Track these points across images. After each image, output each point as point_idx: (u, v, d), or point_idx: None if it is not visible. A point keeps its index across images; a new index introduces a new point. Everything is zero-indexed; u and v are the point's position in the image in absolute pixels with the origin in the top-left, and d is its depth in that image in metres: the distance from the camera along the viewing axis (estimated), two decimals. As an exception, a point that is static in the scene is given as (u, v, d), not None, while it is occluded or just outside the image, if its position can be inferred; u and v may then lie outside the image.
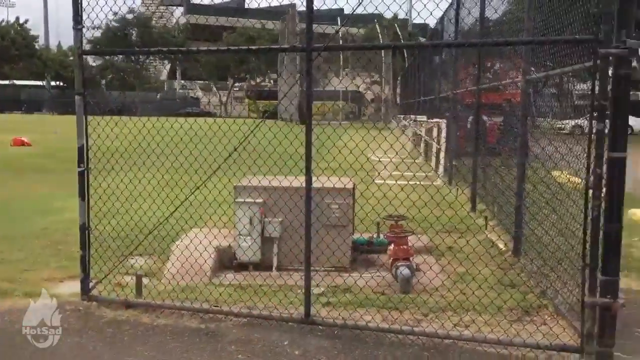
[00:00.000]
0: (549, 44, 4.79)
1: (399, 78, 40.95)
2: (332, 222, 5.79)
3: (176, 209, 5.07)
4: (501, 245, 6.66)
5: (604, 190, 3.83)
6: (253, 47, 4.33)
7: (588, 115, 3.97)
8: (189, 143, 5.31)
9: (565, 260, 4.50)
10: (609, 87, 3.75)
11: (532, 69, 6.01)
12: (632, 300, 5.13)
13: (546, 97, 6.23)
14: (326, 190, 5.62)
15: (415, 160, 14.59)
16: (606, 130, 3.78)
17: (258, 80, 60.05)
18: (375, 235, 6.45)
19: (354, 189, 6.17)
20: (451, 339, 4.23)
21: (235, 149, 4.73)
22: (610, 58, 3.65)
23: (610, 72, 3.74)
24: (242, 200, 5.84)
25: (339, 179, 5.81)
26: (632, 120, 35.66)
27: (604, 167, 3.80)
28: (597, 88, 3.78)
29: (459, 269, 5.41)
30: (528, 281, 5.37)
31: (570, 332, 4.16)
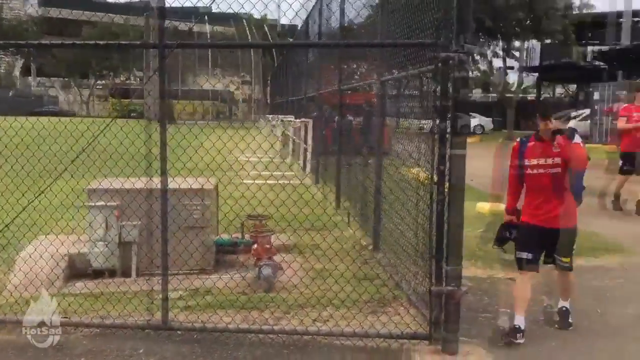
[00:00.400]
0: (397, 46, 5.02)
1: (269, 78, 41.12)
2: (191, 224, 5.65)
3: (17, 215, 4.69)
4: (362, 241, 6.89)
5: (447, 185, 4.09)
6: (101, 43, 4.09)
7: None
8: (31, 144, 4.92)
9: (415, 252, 4.73)
10: (450, 89, 4.00)
11: (386, 72, 6.26)
12: (478, 288, 5.52)
13: (402, 97, 6.53)
14: (183, 191, 5.48)
15: (284, 160, 14.74)
16: (448, 129, 4.04)
17: (122, 78, 57.45)
18: (239, 236, 6.40)
19: (215, 189, 6.07)
20: (310, 334, 4.30)
21: (84, 150, 4.46)
22: (451, 61, 3.89)
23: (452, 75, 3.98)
24: (95, 203, 5.53)
25: (196, 179, 5.68)
26: (483, 121, 38.58)
27: (447, 164, 4.05)
28: (439, 90, 4.02)
29: (318, 265, 5.52)
30: (383, 274, 5.59)
31: (420, 321, 4.38)
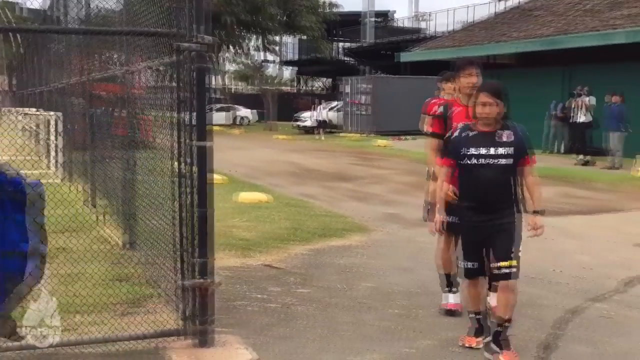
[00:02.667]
0: (134, 34, 4.83)
1: (14, 67, 36.90)
2: None
3: None
4: (117, 239, 6.55)
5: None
6: None
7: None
8: None
9: (168, 246, 4.63)
10: (193, 80, 3.96)
11: (135, 61, 6.00)
12: (233, 276, 5.62)
13: (151, 88, 6.32)
14: None
15: (27, 157, 13.36)
16: (193, 121, 4.00)
17: None
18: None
19: None
20: (54, 347, 3.94)
21: None
22: (188, 52, 3.84)
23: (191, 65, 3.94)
24: None
25: None
26: (247, 112, 39.65)
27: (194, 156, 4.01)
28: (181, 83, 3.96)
29: (64, 270, 5.09)
30: (137, 273, 5.38)
31: (174, 317, 4.30)
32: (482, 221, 3.94)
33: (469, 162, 3.92)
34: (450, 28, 37.51)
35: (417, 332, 4.47)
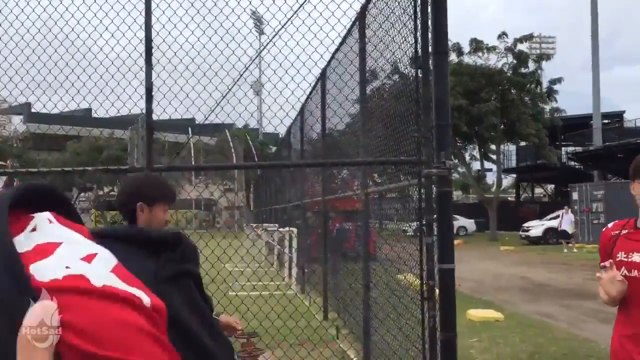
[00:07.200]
0: (378, 164, 5.15)
1: (252, 186, 41.54)
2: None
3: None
4: (352, 355, 6.70)
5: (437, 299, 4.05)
6: (89, 169, 4.14)
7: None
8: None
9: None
10: (434, 204, 4.08)
11: (371, 182, 6.39)
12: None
13: (387, 207, 6.61)
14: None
15: (267, 270, 14.60)
16: (435, 244, 4.07)
17: (106, 189, 57.71)
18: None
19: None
20: None
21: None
22: (433, 177, 4.00)
23: (433, 189, 4.08)
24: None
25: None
26: (466, 222, 38.96)
27: (436, 278, 4.04)
28: (423, 204, 4.10)
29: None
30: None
31: None
32: None
33: None
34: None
35: None
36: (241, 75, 4.05)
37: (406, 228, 5.28)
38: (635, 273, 2.71)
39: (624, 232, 2.85)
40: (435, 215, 4.02)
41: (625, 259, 2.76)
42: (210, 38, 4.23)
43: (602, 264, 2.82)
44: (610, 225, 3.02)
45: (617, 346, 2.81)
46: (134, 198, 2.61)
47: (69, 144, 46.86)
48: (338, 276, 8.98)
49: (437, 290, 4.04)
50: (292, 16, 4.54)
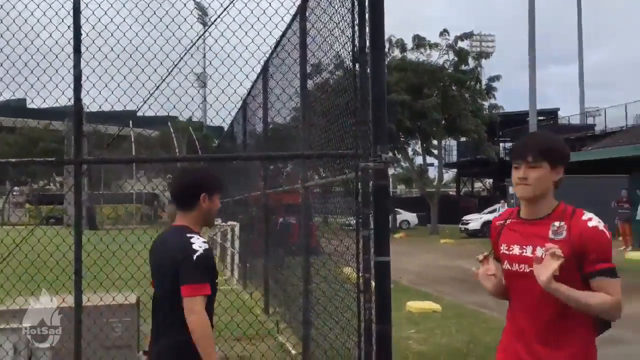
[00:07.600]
0: (316, 157, 5.16)
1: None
2: (113, 342, 5.33)
3: None
4: (290, 348, 6.69)
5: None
6: (13, 160, 3.96)
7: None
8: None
9: (347, 358, 4.62)
10: (371, 197, 4.11)
11: (317, 176, 6.40)
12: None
13: (326, 200, 6.62)
14: (103, 307, 5.21)
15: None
16: (372, 237, 4.10)
17: (42, 183, 55.66)
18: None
19: (137, 304, 5.80)
20: None
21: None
22: (370, 170, 4.02)
23: (370, 183, 4.11)
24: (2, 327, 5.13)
25: (119, 293, 5.44)
26: (408, 216, 39.62)
27: (372, 271, 4.07)
28: (360, 198, 4.12)
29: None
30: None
31: None
32: None
33: None
34: (622, 124, 35.43)
35: None
36: (175, 65, 3.96)
37: (349, 221, 5.31)
38: (515, 267, 2.51)
39: (508, 222, 2.64)
40: (372, 209, 4.05)
41: (507, 252, 2.57)
42: (143, 26, 4.10)
43: (477, 257, 2.72)
44: (499, 213, 2.89)
45: (504, 341, 2.64)
46: (199, 189, 2.96)
47: (1, 135, 44.95)
48: (280, 269, 8.95)
49: (373, 283, 4.07)
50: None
